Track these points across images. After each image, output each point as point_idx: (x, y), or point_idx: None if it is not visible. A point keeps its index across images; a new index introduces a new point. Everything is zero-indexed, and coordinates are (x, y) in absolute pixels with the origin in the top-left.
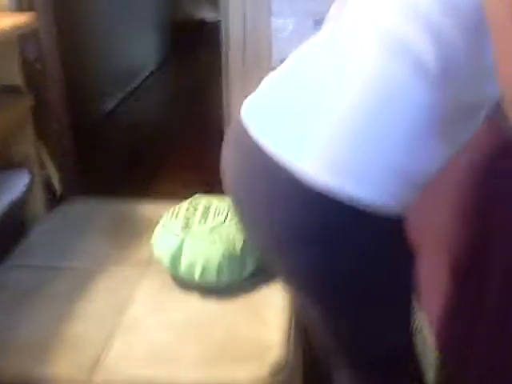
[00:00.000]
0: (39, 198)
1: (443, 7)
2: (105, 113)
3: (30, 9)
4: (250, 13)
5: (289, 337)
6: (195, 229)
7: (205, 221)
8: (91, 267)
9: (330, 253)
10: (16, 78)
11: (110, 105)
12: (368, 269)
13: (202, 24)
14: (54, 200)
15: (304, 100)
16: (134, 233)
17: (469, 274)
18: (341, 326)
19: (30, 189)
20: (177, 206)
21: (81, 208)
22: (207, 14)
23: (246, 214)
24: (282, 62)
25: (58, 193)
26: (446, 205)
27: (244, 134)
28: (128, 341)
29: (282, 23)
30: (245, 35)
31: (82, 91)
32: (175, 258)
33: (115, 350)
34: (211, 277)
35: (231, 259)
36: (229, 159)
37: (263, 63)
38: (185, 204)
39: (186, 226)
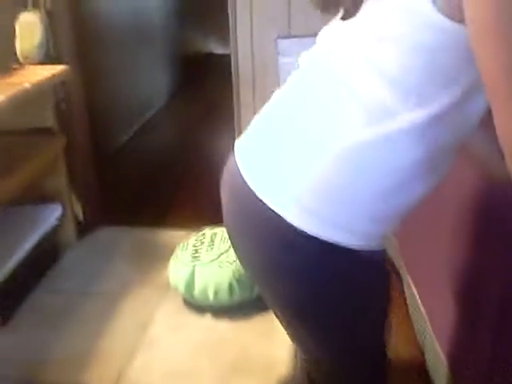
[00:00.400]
0: (70, 228)
1: (427, 71)
2: (121, 145)
3: (57, 57)
4: (258, 52)
5: (295, 353)
6: (203, 257)
7: (211, 248)
8: (117, 290)
9: (309, 286)
10: (49, 120)
11: (125, 137)
12: (352, 300)
13: (210, 56)
14: (83, 229)
15: (289, 145)
16: (155, 258)
17: (469, 295)
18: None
19: (61, 220)
20: (186, 240)
21: (106, 236)
22: (215, 48)
23: (236, 248)
24: None
25: (82, 222)
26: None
27: (236, 173)
28: (149, 356)
29: (288, 62)
30: (254, 73)
31: (99, 125)
32: (189, 285)
33: (137, 364)
34: (224, 297)
35: (241, 279)
36: (223, 196)
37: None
38: (193, 237)
39: (195, 255)
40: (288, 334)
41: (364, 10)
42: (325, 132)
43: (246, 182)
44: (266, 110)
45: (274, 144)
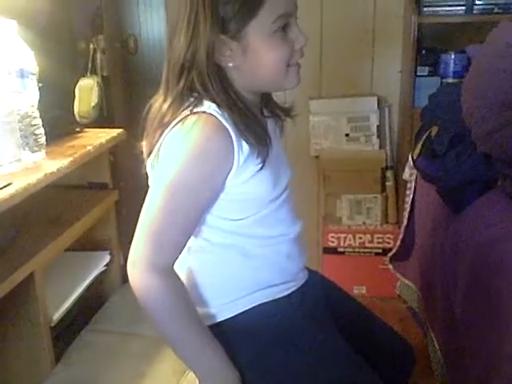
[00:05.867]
0: (116, 274)
1: None
2: None
3: (109, 117)
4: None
5: None
6: None
7: None
8: (158, 334)
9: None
10: (105, 176)
11: None
12: None
13: None
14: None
15: None
16: None
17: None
18: None
19: (109, 266)
20: None
21: None
22: None
23: None
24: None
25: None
26: (461, 280)
27: None
28: None
29: (318, 121)
30: (285, 131)
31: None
32: None
33: None
34: None
35: None
36: None
37: (302, 154)
38: None
39: None
40: None
41: None
42: None
43: None
44: None
45: None
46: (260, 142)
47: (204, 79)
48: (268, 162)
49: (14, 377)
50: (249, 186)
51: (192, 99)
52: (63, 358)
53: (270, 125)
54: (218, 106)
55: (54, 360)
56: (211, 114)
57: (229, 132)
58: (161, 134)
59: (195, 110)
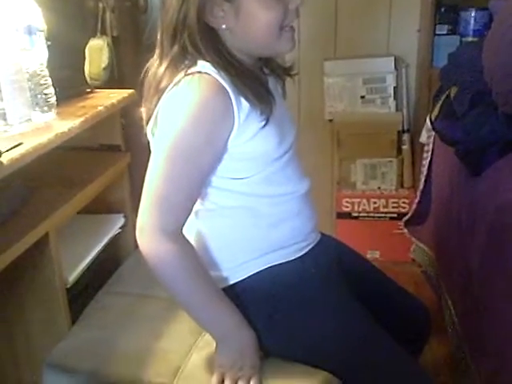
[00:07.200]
0: (130, 236)
1: None
2: None
3: (120, 79)
4: (303, 73)
5: None
6: None
7: None
8: None
9: None
10: (117, 139)
11: None
12: None
13: None
14: None
15: None
16: None
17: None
18: None
19: (124, 229)
20: None
21: None
22: None
23: None
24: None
25: None
26: (478, 243)
27: None
28: (202, 355)
29: (332, 82)
30: (299, 94)
31: None
32: None
33: (192, 361)
34: None
35: None
36: None
37: (316, 118)
38: None
39: None
40: None
41: None
42: None
43: None
44: None
45: None
46: (261, 100)
47: (196, 41)
48: (272, 119)
49: (31, 338)
50: (254, 144)
51: (186, 62)
52: (79, 319)
53: (271, 83)
54: (213, 65)
55: (70, 321)
56: (206, 73)
57: (226, 89)
58: (158, 100)
59: (189, 71)
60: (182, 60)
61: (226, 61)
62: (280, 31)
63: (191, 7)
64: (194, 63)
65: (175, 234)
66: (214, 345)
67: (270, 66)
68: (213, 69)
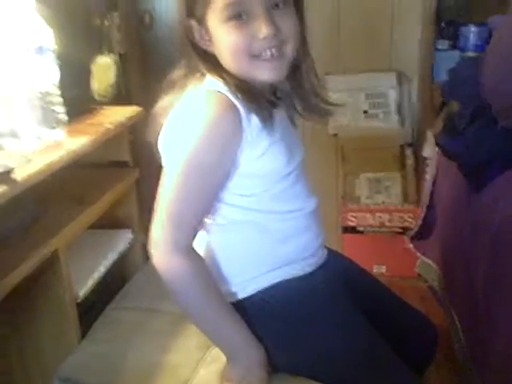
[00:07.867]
0: (138, 252)
1: None
2: None
3: (127, 96)
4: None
5: None
6: None
7: None
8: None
9: None
10: (125, 155)
11: None
12: None
13: None
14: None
15: None
16: None
17: None
18: None
19: (132, 244)
20: None
21: None
22: None
23: None
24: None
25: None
26: (482, 258)
27: None
28: (210, 370)
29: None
30: None
31: None
32: None
33: (200, 376)
34: None
35: None
36: None
37: (320, 132)
38: None
39: None
40: None
41: None
42: None
43: None
44: None
45: None
46: (265, 118)
47: (197, 63)
48: (281, 137)
49: (41, 352)
50: (263, 162)
51: (197, 76)
52: (88, 334)
53: (284, 105)
54: (224, 83)
55: (80, 335)
56: (218, 91)
57: (236, 107)
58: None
59: (199, 88)
60: (191, 76)
61: (227, 78)
62: (250, 59)
63: (183, 32)
64: (202, 80)
65: (187, 249)
66: (222, 360)
67: (282, 93)
68: (223, 86)
